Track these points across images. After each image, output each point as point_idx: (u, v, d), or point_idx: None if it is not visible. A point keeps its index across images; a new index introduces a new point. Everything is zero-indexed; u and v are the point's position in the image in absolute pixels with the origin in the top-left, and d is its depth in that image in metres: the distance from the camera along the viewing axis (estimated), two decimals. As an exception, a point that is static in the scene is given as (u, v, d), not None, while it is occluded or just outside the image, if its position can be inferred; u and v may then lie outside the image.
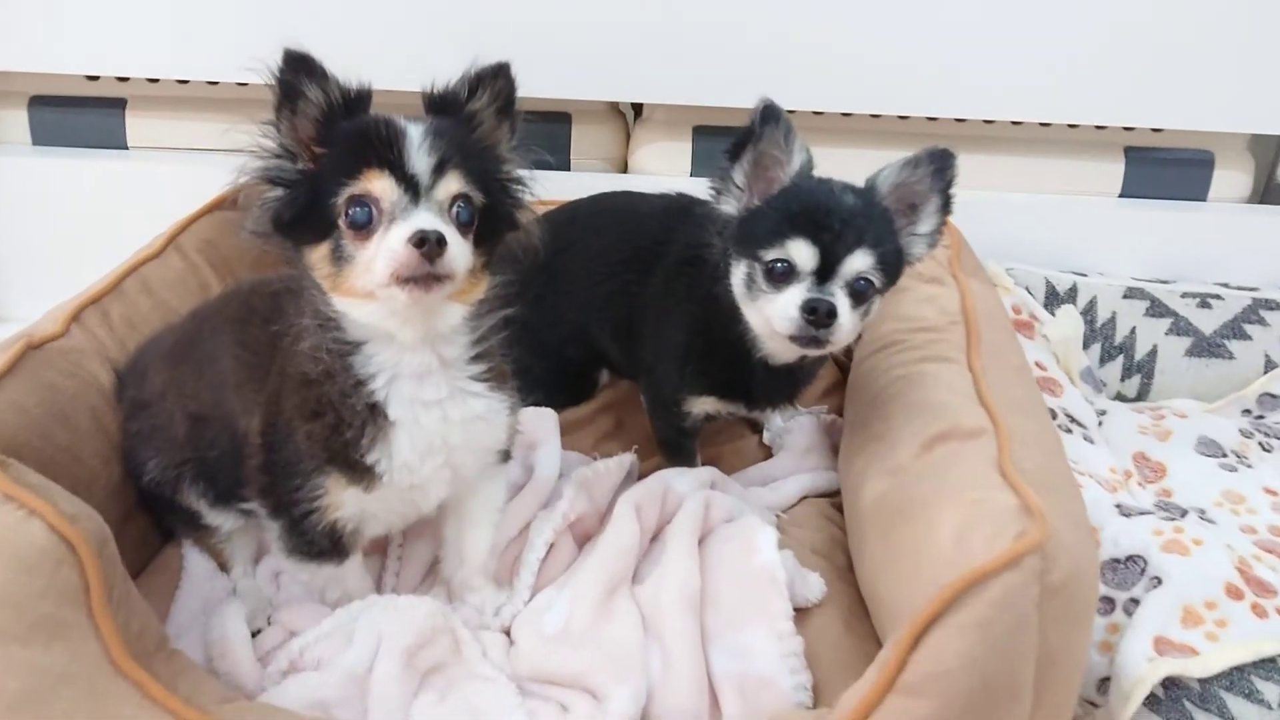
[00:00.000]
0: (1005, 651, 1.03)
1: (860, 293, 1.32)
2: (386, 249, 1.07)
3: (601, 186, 1.85)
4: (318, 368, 1.18)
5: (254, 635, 1.31)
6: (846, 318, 1.30)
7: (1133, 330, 2.10)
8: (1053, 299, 2.11)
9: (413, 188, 1.09)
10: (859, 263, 1.31)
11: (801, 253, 1.31)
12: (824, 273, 1.31)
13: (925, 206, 1.38)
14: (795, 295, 1.31)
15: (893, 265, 1.35)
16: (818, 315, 1.28)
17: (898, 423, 1.47)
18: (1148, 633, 1.37)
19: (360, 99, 1.15)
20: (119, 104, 2.20)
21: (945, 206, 1.37)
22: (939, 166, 1.34)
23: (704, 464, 1.68)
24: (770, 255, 1.33)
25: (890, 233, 1.35)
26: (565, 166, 2.22)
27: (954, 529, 1.19)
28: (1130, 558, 1.49)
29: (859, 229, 1.30)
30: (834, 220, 1.30)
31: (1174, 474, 1.79)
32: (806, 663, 1.27)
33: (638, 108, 2.34)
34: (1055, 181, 2.21)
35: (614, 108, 2.32)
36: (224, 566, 1.43)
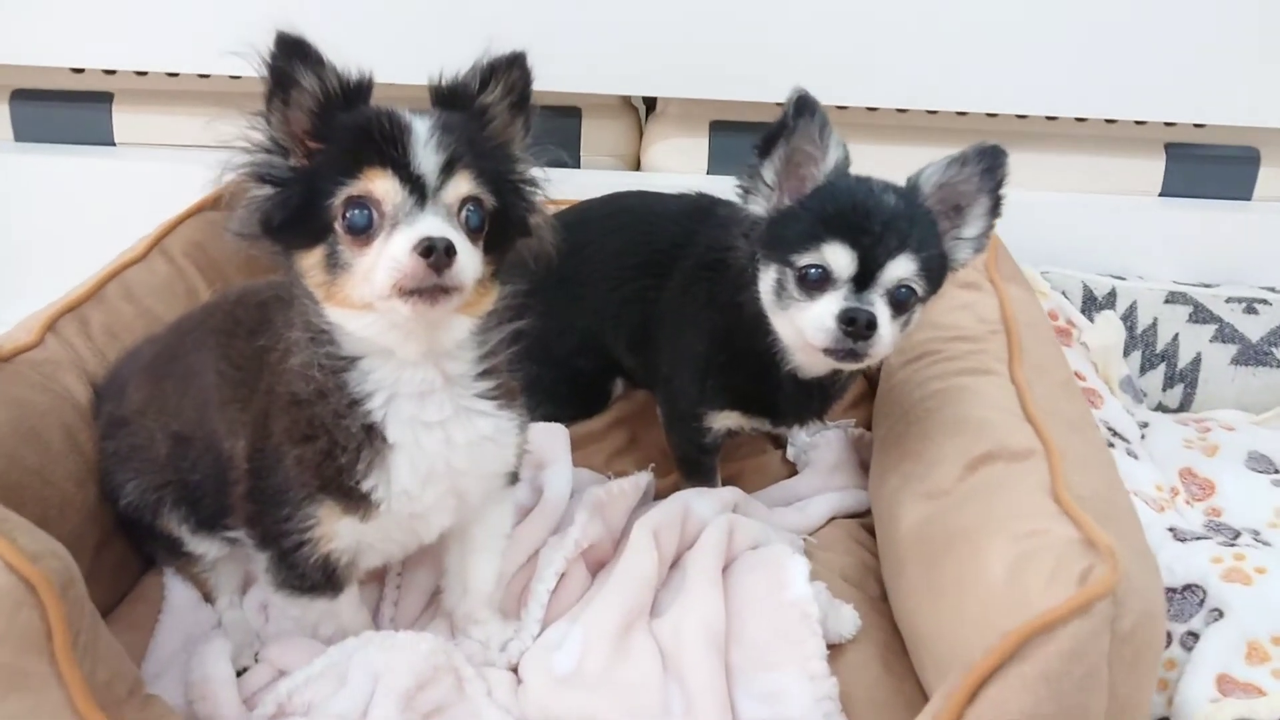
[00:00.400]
0: (1074, 708, 0.95)
1: (901, 302, 1.24)
2: (388, 257, 0.98)
3: (613, 185, 1.77)
4: (309, 386, 1.09)
5: (240, 674, 1.23)
6: (887, 329, 1.21)
7: (1175, 337, 2.03)
8: (1090, 304, 2.04)
9: (418, 189, 1.00)
10: (901, 269, 1.22)
11: (839, 258, 1.22)
12: (862, 280, 1.23)
13: (972, 208, 1.29)
14: (831, 304, 1.22)
15: (936, 272, 1.26)
16: (856, 326, 1.19)
17: (936, 440, 1.39)
18: (1209, 671, 1.30)
19: (360, 89, 1.05)
20: (105, 98, 2.13)
21: (995, 209, 1.29)
22: (989, 165, 1.26)
23: (724, 481, 1.60)
24: (804, 260, 1.24)
25: (934, 236, 1.27)
26: (575, 164, 2.14)
27: (1006, 563, 1.11)
28: (1188, 587, 1.42)
29: (901, 232, 1.21)
30: (874, 222, 1.21)
31: (1223, 492, 1.72)
32: (841, 705, 1.19)
33: (651, 102, 2.27)
34: (1092, 180, 2.14)
35: (626, 102, 2.25)
36: (208, 597, 1.35)
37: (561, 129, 2.09)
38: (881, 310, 1.21)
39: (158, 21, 1.98)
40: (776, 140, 1.27)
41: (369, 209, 0.99)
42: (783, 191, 1.30)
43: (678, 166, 2.12)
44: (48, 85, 2.12)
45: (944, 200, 1.29)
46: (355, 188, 0.99)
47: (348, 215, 0.99)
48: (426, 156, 1.00)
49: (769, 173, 1.29)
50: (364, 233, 1.00)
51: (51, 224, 2.11)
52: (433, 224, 0.99)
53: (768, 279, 1.30)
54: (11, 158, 2.10)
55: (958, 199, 1.29)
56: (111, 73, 2.11)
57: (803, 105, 1.25)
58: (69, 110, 2.12)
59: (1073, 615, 0.95)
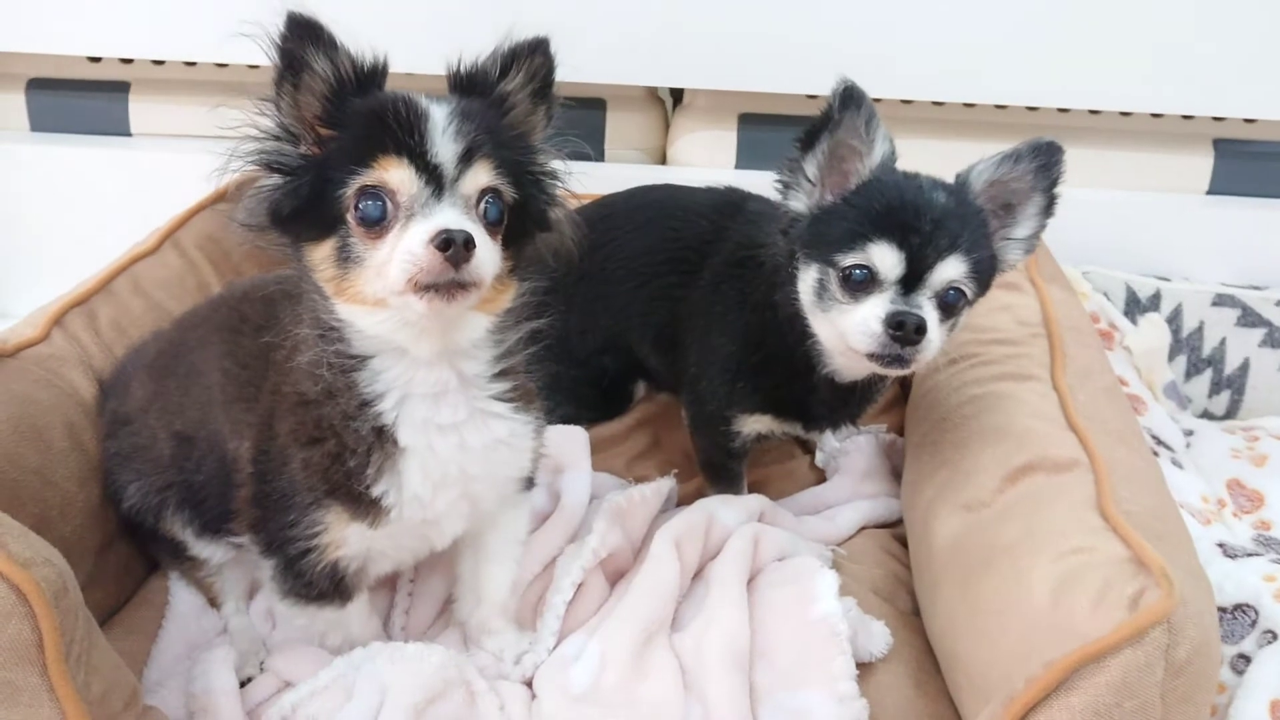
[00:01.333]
0: (1125, 745, 0.88)
1: (950, 305, 1.19)
2: (404, 251, 0.93)
3: (638, 179, 1.72)
4: (317, 386, 1.04)
5: (244, 684, 1.19)
6: (935, 333, 1.16)
7: (1222, 341, 1.98)
8: (1134, 306, 1.99)
9: (435, 179, 0.95)
10: (951, 270, 1.17)
11: (886, 258, 1.16)
12: (910, 281, 1.17)
13: (1024, 207, 1.24)
14: (877, 307, 1.17)
15: (986, 274, 1.21)
16: (905, 331, 1.14)
17: (974, 449, 1.34)
18: (1263, 697, 1.24)
19: (375, 74, 1.01)
20: (122, 87, 2.11)
21: (1048, 208, 1.24)
22: (1044, 162, 1.21)
23: (749, 488, 1.55)
24: (848, 260, 1.18)
25: (985, 236, 1.21)
26: (599, 157, 2.10)
27: (1050, 584, 1.06)
28: (1239, 607, 1.36)
29: (952, 232, 1.16)
30: (924, 221, 1.16)
31: (1273, 504, 1.66)
32: (872, 728, 1.14)
33: (677, 93, 2.23)
34: (1137, 176, 2.08)
35: (652, 93, 2.20)
36: (213, 602, 1.31)
37: (585, 121, 2.04)
38: (930, 314, 1.16)
39: (175, 10, 1.95)
40: (820, 133, 1.21)
41: (383, 199, 0.95)
42: (825, 187, 1.25)
43: (705, 160, 2.07)
44: (64, 74, 2.10)
45: (994, 198, 1.23)
46: (369, 177, 0.94)
47: (360, 206, 0.95)
48: (444, 145, 0.95)
49: (811, 167, 1.24)
50: (377, 224, 0.95)
51: (67, 214, 2.09)
52: (451, 216, 0.94)
53: (808, 279, 1.24)
54: (27, 147, 2.09)
55: (1009, 197, 1.24)
56: (128, 62, 2.09)
57: (849, 97, 1.19)
58: (85, 100, 2.10)
59: (1124, 644, 0.90)
